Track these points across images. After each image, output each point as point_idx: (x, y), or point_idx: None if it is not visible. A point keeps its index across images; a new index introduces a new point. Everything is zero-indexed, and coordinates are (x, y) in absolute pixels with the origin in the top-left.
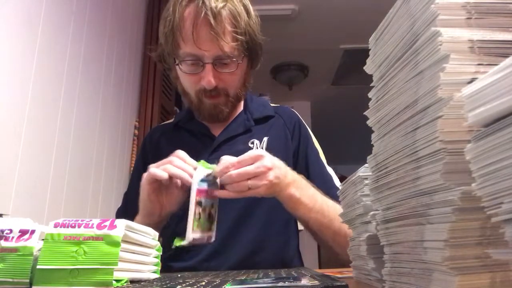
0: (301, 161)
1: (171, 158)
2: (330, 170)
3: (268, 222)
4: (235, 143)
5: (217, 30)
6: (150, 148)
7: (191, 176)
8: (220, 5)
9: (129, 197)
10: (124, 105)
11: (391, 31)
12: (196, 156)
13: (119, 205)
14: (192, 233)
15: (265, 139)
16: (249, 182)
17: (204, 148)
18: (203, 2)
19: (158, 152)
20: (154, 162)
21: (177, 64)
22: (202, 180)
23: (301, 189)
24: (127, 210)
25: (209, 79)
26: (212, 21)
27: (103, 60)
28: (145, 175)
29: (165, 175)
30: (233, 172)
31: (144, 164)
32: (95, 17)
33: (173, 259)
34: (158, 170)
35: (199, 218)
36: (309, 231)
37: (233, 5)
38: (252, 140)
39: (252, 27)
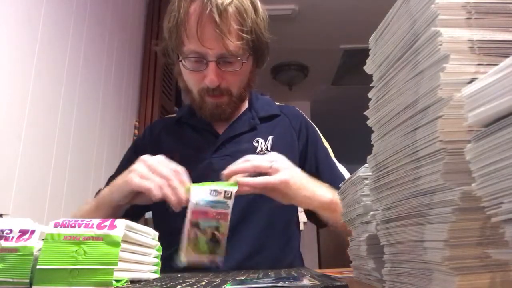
0: (310, 162)
1: (170, 175)
2: (342, 168)
3: (269, 223)
4: (239, 141)
5: (222, 28)
6: (150, 141)
7: (182, 201)
8: (227, 1)
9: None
10: (124, 105)
11: (391, 31)
12: (200, 153)
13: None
14: (186, 256)
15: (270, 138)
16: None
17: (208, 145)
18: None
19: (158, 146)
20: (152, 154)
21: (181, 61)
22: (204, 201)
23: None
24: None
25: (212, 77)
26: (217, 18)
27: (103, 60)
28: (137, 178)
29: (158, 196)
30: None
31: (138, 155)
32: (95, 16)
33: (173, 260)
34: (154, 187)
35: (196, 239)
36: (339, 228)
37: (240, 2)
38: (257, 139)
39: (259, 25)
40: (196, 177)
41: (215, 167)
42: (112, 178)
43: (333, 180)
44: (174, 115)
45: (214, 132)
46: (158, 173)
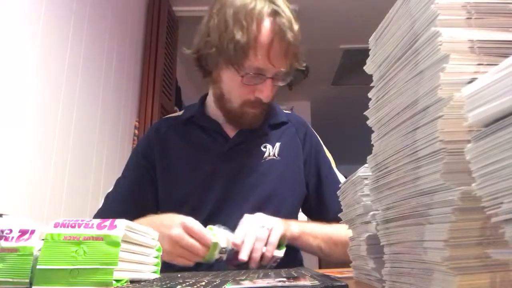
0: (312, 173)
1: (189, 244)
2: (343, 180)
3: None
4: (248, 145)
5: (291, 49)
6: (157, 140)
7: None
8: (293, 23)
9: (121, 195)
10: (124, 105)
11: (391, 31)
12: (209, 155)
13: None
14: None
15: (278, 144)
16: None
17: (217, 146)
18: (279, 17)
19: (166, 146)
20: (160, 154)
21: (243, 76)
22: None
23: (299, 226)
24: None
25: (268, 93)
26: (287, 39)
27: (103, 60)
28: (166, 256)
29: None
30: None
31: (148, 158)
32: (95, 17)
33: None
34: (181, 263)
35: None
36: (323, 255)
37: (297, 24)
38: (265, 144)
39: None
40: (205, 178)
41: (224, 170)
42: (119, 181)
43: (335, 192)
44: (176, 114)
45: (223, 133)
46: (194, 251)
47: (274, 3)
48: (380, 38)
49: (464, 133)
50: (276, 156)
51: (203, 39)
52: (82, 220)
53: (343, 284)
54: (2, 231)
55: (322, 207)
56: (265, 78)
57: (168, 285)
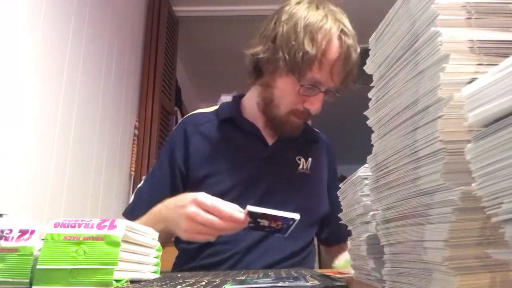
0: (330, 198)
1: (220, 224)
2: None
3: (299, 238)
4: (285, 154)
5: (351, 68)
6: (193, 132)
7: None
8: (357, 47)
9: (151, 191)
10: (124, 105)
11: (391, 31)
12: (249, 158)
13: (122, 205)
14: None
15: (310, 160)
16: None
17: (258, 151)
18: (347, 38)
19: (204, 140)
20: (197, 147)
21: (302, 85)
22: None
23: None
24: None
25: (319, 106)
26: (352, 58)
27: (103, 60)
28: (187, 234)
29: (211, 239)
30: None
31: (181, 149)
32: (95, 17)
33: (211, 255)
34: (205, 240)
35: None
36: None
37: (358, 47)
38: (299, 157)
39: None
40: (244, 179)
41: (264, 175)
42: (150, 175)
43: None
44: (206, 110)
45: (264, 140)
46: (210, 225)
47: (343, 24)
48: (380, 38)
49: (464, 133)
50: (308, 170)
51: (266, 44)
52: (82, 220)
53: (343, 284)
54: (2, 231)
55: (335, 224)
56: (319, 91)
57: (168, 285)
